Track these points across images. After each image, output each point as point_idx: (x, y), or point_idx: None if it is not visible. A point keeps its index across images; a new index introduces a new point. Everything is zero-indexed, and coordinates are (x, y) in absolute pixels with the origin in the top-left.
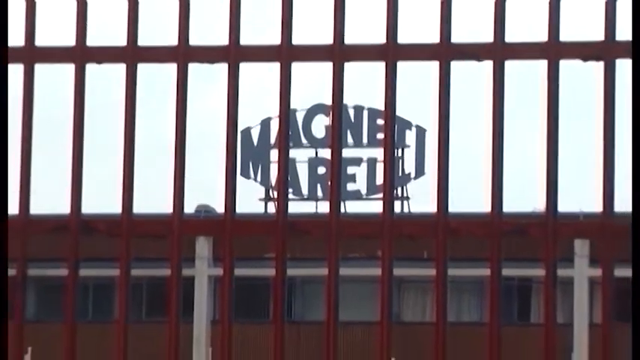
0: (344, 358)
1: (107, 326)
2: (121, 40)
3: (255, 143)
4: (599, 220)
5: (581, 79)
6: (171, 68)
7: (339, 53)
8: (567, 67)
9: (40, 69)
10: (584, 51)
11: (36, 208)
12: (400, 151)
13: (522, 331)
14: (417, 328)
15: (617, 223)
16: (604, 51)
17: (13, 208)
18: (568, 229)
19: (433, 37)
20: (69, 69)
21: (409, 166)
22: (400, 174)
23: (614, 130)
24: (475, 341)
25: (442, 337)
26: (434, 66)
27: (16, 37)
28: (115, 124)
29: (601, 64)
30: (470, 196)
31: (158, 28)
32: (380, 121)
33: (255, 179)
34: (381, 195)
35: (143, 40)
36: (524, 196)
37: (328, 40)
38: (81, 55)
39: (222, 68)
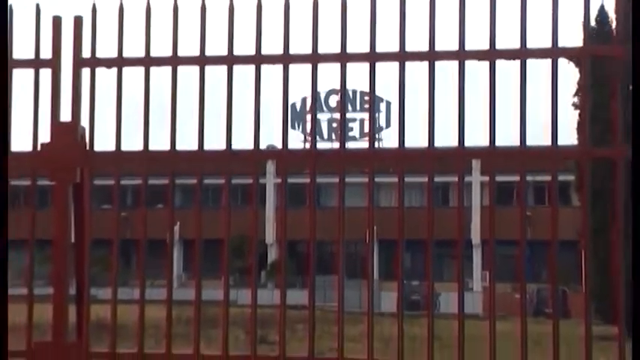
0: (347, 226)
1: (218, 211)
2: (222, 51)
3: (298, 110)
4: (486, 150)
5: (474, 71)
6: (250, 68)
7: (343, 58)
8: (471, 64)
9: (182, 70)
10: (477, 55)
11: (180, 146)
12: (377, 114)
13: (444, 211)
14: (388, 210)
15: (497, 151)
16: (488, 55)
17: (165, 146)
18: (469, 154)
19: (395, 46)
20: (195, 69)
21: (382, 122)
22: (377, 126)
23: (495, 103)
24: (418, 217)
25: (402, 214)
26: (395, 65)
27: (164, 49)
28: (220, 105)
29: (487, 63)
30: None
31: (242, 42)
32: (366, 98)
33: (298, 129)
34: (367, 138)
35: (236, 51)
36: (446, 136)
37: (337, 49)
38: (203, 60)
39: (279, 68)
